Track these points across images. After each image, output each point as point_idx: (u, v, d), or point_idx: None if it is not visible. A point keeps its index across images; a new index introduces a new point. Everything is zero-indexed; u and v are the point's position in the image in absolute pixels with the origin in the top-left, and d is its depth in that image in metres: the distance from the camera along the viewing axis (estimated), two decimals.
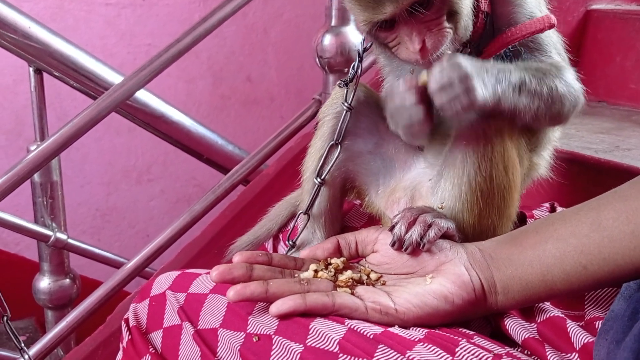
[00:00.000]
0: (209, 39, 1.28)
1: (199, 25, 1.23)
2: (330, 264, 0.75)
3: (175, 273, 0.81)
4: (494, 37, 0.77)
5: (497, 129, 0.74)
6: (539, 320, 0.74)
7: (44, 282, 1.43)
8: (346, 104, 0.84)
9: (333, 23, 1.34)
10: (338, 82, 0.87)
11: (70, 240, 1.43)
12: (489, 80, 0.70)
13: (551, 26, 0.76)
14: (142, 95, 1.48)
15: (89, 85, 1.42)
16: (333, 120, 0.88)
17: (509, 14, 0.78)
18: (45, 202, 1.38)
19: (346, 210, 0.99)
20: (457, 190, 0.76)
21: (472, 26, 0.75)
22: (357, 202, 0.99)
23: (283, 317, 0.66)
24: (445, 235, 0.74)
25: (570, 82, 0.77)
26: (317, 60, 1.36)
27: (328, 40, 1.32)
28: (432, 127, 0.78)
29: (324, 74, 1.38)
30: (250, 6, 1.33)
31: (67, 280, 1.45)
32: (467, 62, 0.70)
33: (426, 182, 0.84)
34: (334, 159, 0.86)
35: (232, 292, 0.66)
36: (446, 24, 0.72)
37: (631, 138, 1.23)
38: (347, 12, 1.33)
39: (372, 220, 0.96)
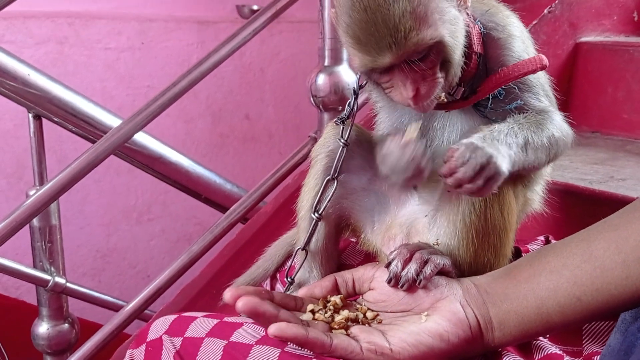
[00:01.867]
0: (207, 78, 1.31)
1: (194, 69, 1.25)
2: (328, 301, 0.75)
3: (172, 317, 0.81)
4: (487, 76, 0.79)
5: None
6: (536, 358, 0.74)
7: (43, 328, 1.42)
8: (342, 140, 0.86)
9: (326, 63, 1.36)
10: (335, 120, 0.88)
11: (68, 285, 1.42)
12: (503, 150, 0.72)
13: (543, 67, 0.77)
14: (140, 137, 1.50)
15: (88, 129, 1.44)
16: (326, 158, 0.89)
17: (499, 56, 0.80)
18: (43, 247, 1.38)
19: (342, 248, 1.00)
20: (452, 228, 0.77)
21: (466, 67, 0.77)
22: (353, 239, 0.99)
23: (283, 340, 0.66)
24: (442, 272, 0.74)
25: (561, 125, 0.80)
26: (311, 99, 1.38)
27: (322, 79, 1.35)
28: (426, 176, 0.79)
29: (318, 113, 1.40)
30: (247, 46, 1.36)
31: (66, 325, 1.44)
32: (481, 142, 0.71)
33: (422, 218, 0.85)
34: (331, 194, 0.86)
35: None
36: (438, 74, 0.74)
37: (625, 168, 1.23)
38: (339, 53, 1.35)
39: (369, 258, 0.96)
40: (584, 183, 1.12)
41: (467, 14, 0.77)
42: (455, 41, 0.73)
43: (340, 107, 1.37)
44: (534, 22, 1.45)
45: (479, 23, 0.79)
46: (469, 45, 0.76)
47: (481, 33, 0.79)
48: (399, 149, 0.75)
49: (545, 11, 1.47)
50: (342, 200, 0.89)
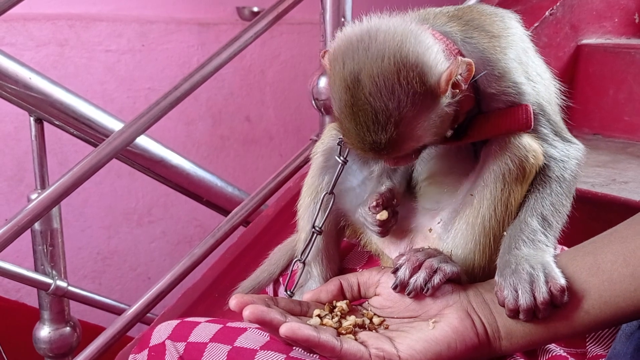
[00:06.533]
0: (207, 81, 1.31)
1: (196, 72, 1.24)
2: (335, 306, 0.75)
3: (175, 322, 0.80)
4: (480, 112, 0.78)
5: (516, 177, 0.75)
6: None
7: (44, 331, 1.41)
8: (341, 158, 0.85)
9: None
10: (337, 142, 0.87)
11: (70, 288, 1.42)
12: (546, 250, 0.73)
13: (528, 127, 0.76)
14: (142, 140, 1.50)
15: (89, 132, 1.43)
16: (321, 157, 0.90)
17: (491, 99, 0.77)
18: (45, 250, 1.37)
19: (345, 252, 0.99)
20: (470, 231, 0.76)
21: (454, 121, 0.76)
22: (355, 241, 0.99)
23: (293, 342, 0.66)
24: (450, 279, 0.74)
25: (571, 155, 0.79)
26: (312, 102, 1.37)
27: (323, 82, 1.34)
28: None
29: (320, 116, 1.40)
30: (247, 48, 1.35)
31: (68, 329, 1.43)
32: (526, 258, 0.71)
33: (433, 225, 0.84)
34: (329, 209, 0.87)
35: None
36: (417, 153, 0.76)
37: (627, 171, 1.23)
38: None
39: (372, 261, 0.96)
40: (586, 186, 1.12)
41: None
42: (439, 131, 0.73)
43: None
44: (536, 25, 1.45)
45: (475, 82, 0.75)
46: (460, 107, 0.74)
47: (475, 96, 0.76)
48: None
49: (547, 13, 1.47)
50: (337, 199, 0.89)
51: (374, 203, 0.81)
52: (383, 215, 0.81)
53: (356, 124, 0.70)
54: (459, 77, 0.69)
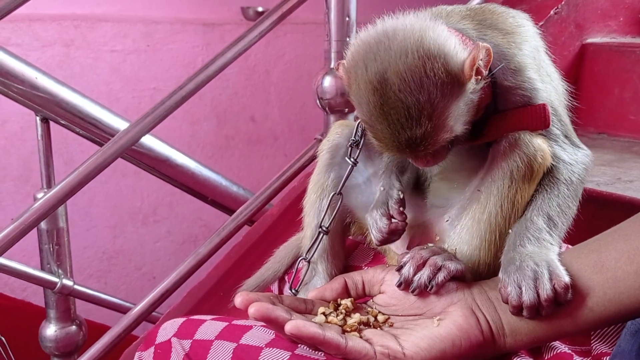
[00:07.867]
0: (212, 81, 1.31)
1: (201, 72, 1.25)
2: (339, 304, 0.75)
3: (181, 320, 0.81)
4: (495, 111, 0.78)
5: (524, 174, 0.75)
6: (546, 357, 0.74)
7: (51, 330, 1.42)
8: (352, 160, 0.85)
9: (332, 65, 1.36)
10: (349, 143, 0.87)
11: (76, 287, 1.43)
12: (551, 249, 0.73)
13: (546, 126, 0.77)
14: (147, 140, 1.50)
15: (95, 132, 1.44)
16: (327, 154, 0.90)
17: (508, 95, 0.78)
18: (51, 249, 1.38)
19: (350, 249, 1.00)
20: (476, 227, 0.76)
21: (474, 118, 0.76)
22: (361, 238, 0.99)
23: (299, 339, 0.66)
24: (455, 277, 0.74)
25: (579, 159, 0.79)
26: (317, 101, 1.38)
27: (328, 82, 1.34)
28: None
29: (324, 115, 1.40)
30: (252, 48, 1.36)
31: (74, 327, 1.44)
32: (518, 262, 0.71)
33: (441, 223, 0.84)
34: (336, 209, 0.87)
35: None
36: (447, 147, 0.75)
37: (633, 170, 1.23)
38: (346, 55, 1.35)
39: (377, 258, 0.96)
40: (591, 185, 1.12)
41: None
42: (468, 119, 0.73)
43: (347, 110, 1.37)
44: (540, 24, 1.44)
45: (489, 78, 0.75)
46: (479, 101, 0.75)
47: (492, 90, 0.77)
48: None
49: (552, 12, 1.47)
50: (344, 195, 0.88)
51: (396, 210, 0.81)
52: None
53: (389, 124, 0.70)
54: (480, 62, 0.70)
